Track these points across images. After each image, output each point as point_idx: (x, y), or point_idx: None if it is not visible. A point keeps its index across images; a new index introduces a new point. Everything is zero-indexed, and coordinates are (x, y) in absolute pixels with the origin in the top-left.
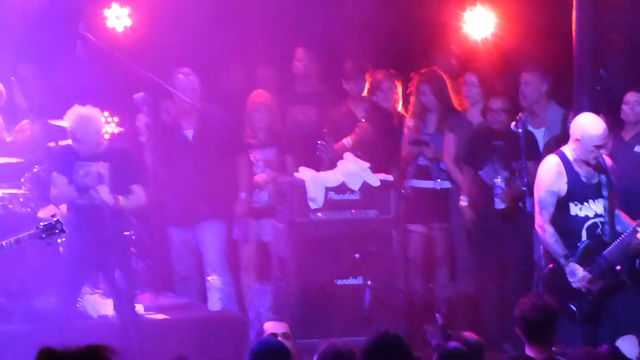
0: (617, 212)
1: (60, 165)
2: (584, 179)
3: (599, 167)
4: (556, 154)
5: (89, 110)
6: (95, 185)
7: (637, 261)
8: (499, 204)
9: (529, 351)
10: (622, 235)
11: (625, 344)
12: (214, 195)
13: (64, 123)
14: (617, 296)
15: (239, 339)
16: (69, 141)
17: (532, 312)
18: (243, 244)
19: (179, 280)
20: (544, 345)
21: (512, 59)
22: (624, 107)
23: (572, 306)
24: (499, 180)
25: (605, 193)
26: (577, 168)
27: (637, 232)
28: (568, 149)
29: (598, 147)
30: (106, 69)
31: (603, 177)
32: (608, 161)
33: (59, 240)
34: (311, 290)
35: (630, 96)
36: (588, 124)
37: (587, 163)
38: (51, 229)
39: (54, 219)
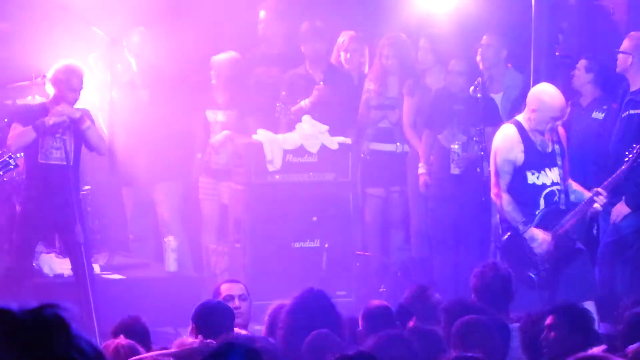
0: (569, 181)
1: (27, 120)
2: (539, 148)
3: (554, 137)
4: (512, 123)
5: (79, 63)
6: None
7: (595, 227)
8: (454, 170)
9: None
10: (580, 205)
11: None
12: (170, 155)
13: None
14: (573, 263)
15: (194, 300)
16: (28, 99)
17: (489, 280)
18: (204, 204)
19: (135, 240)
20: (501, 313)
21: (471, 23)
22: (575, 72)
23: (530, 274)
24: (455, 147)
25: (559, 162)
26: (532, 137)
27: (594, 202)
28: (523, 119)
29: (555, 118)
30: (63, 28)
31: (557, 147)
32: (561, 131)
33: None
34: (268, 252)
35: (580, 63)
36: (546, 95)
37: (542, 133)
38: (6, 165)
39: (6, 156)
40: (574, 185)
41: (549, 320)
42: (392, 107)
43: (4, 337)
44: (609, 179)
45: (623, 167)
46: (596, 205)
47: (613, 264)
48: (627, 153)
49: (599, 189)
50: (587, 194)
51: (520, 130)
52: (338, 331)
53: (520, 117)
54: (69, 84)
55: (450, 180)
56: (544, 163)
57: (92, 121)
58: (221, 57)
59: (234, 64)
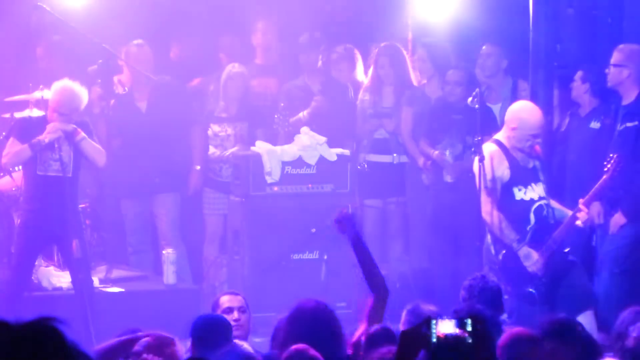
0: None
1: (24, 135)
2: (522, 164)
3: (533, 154)
4: (492, 142)
5: (79, 87)
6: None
7: (593, 239)
8: (447, 177)
9: None
10: (564, 222)
11: (582, 320)
12: (168, 167)
13: (30, 96)
14: (568, 275)
15: (193, 312)
16: (26, 113)
17: (477, 293)
18: (211, 218)
19: (133, 252)
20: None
21: (469, 33)
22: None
23: (530, 289)
24: (447, 153)
25: (542, 177)
26: (514, 154)
27: (576, 218)
28: (503, 137)
29: (534, 136)
30: (61, 40)
31: (537, 162)
32: (538, 149)
33: None
34: (267, 264)
35: (577, 74)
36: (525, 113)
37: (521, 150)
38: None
39: None
40: (555, 204)
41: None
42: (388, 115)
43: (0, 350)
44: (590, 193)
45: (604, 177)
46: (578, 222)
47: (611, 274)
48: (605, 163)
49: (580, 206)
50: (569, 212)
51: (501, 148)
52: (337, 344)
53: (499, 136)
54: (69, 109)
55: (449, 190)
56: (528, 178)
57: (90, 132)
58: (228, 70)
59: (242, 77)
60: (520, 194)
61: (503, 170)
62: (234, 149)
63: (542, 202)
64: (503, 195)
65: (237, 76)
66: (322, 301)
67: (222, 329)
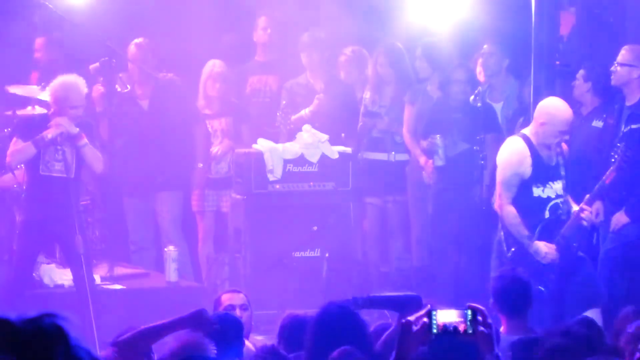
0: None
1: (27, 134)
2: (546, 162)
3: (557, 150)
4: (520, 136)
5: (77, 79)
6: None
7: (595, 236)
8: (438, 162)
9: (505, 326)
10: (573, 216)
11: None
12: (171, 165)
13: (28, 92)
14: (577, 272)
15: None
16: (28, 109)
17: (508, 284)
18: (201, 215)
19: (135, 250)
20: (520, 320)
21: (470, 32)
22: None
23: (539, 287)
24: (437, 138)
25: (563, 173)
26: (540, 151)
27: (581, 218)
28: (530, 132)
29: (563, 132)
30: (61, 37)
31: (560, 158)
32: (565, 147)
33: None
34: (268, 261)
35: (579, 73)
36: (555, 109)
37: (548, 147)
38: None
39: None
40: (570, 201)
41: None
42: (379, 115)
43: (2, 347)
44: (596, 186)
45: (611, 168)
46: (583, 222)
47: (613, 272)
48: (612, 154)
49: (582, 205)
50: (575, 208)
51: (528, 144)
52: (366, 344)
53: (526, 131)
54: (68, 101)
55: (451, 188)
56: (549, 176)
57: (92, 136)
58: (209, 69)
59: (220, 72)
60: (538, 191)
61: (525, 168)
62: (217, 148)
63: (559, 200)
64: (521, 191)
65: (217, 76)
66: (344, 303)
67: (234, 327)
